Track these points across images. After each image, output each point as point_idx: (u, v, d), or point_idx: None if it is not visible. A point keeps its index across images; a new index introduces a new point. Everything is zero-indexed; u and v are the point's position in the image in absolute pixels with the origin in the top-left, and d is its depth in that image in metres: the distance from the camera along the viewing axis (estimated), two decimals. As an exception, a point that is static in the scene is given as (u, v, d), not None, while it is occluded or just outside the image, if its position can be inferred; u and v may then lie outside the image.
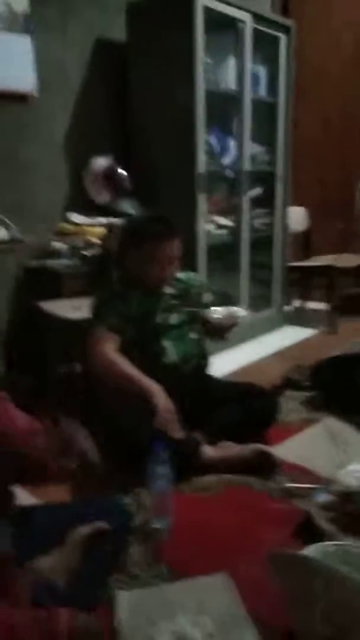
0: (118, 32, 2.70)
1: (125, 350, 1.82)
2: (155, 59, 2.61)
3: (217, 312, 1.85)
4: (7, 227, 2.13)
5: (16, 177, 2.43)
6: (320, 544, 1.15)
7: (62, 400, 2.30)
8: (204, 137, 2.62)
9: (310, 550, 1.08)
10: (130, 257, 1.90)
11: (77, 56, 2.61)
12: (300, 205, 3.62)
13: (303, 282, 3.69)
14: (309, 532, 1.37)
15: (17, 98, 2.37)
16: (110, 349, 1.79)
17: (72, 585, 1.07)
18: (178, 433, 1.67)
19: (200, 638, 1.08)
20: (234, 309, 1.87)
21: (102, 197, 2.67)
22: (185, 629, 1.08)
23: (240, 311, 1.84)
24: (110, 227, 2.49)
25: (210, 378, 2.06)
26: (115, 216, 2.57)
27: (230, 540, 1.41)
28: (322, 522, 1.39)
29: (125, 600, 1.19)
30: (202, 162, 2.62)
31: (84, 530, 1.14)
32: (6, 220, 2.20)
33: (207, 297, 2.07)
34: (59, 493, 1.53)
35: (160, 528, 1.44)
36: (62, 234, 2.52)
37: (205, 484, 1.68)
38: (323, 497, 1.51)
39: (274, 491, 1.63)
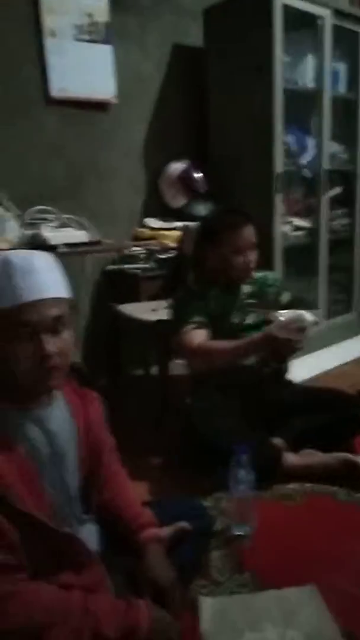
0: (195, 37, 2.72)
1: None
2: (233, 61, 2.59)
3: (283, 315, 1.69)
4: (87, 229, 2.18)
5: (97, 182, 2.50)
6: None
7: (137, 403, 2.32)
8: (281, 137, 2.56)
9: None
10: (211, 253, 1.88)
11: (154, 63, 2.65)
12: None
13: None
14: None
15: (98, 106, 2.44)
16: (203, 340, 1.78)
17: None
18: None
19: (290, 653, 1.03)
20: (301, 312, 1.68)
21: (178, 201, 2.69)
22: (274, 641, 1.03)
23: (307, 315, 1.65)
24: (185, 230, 2.49)
25: (290, 382, 1.99)
26: (190, 219, 2.57)
27: (316, 551, 1.33)
28: None
29: (209, 606, 1.15)
30: (279, 162, 2.56)
31: (166, 530, 1.12)
32: (86, 223, 2.26)
33: (285, 296, 2.01)
34: (141, 494, 1.52)
35: (242, 535, 1.39)
36: (138, 238, 2.56)
37: (288, 492, 1.61)
38: None
39: (362, 503, 1.53)
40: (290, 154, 2.75)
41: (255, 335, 1.71)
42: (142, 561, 1.03)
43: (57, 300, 0.88)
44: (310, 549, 1.34)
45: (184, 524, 1.16)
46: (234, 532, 1.39)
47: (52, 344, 0.87)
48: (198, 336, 1.79)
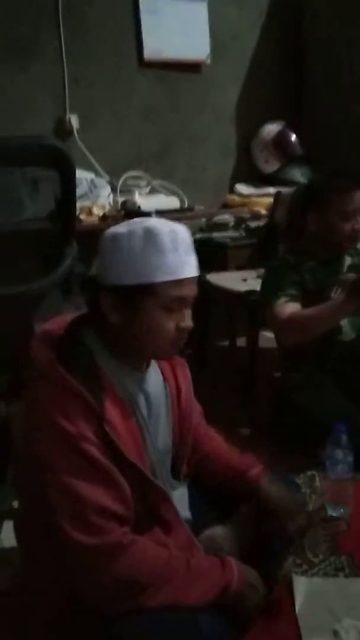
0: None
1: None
2: (335, 15, 2.38)
3: None
4: (179, 196, 2.14)
5: (188, 147, 2.44)
6: None
7: (222, 373, 2.29)
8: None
9: None
10: (314, 219, 1.75)
11: (251, 19, 2.51)
12: None
13: None
14: None
15: (191, 67, 2.36)
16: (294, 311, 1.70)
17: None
18: None
19: (393, 645, 0.96)
20: None
21: (271, 165, 2.56)
22: (375, 631, 0.96)
23: None
24: (277, 197, 2.37)
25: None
26: (283, 185, 2.44)
27: None
28: None
29: (304, 586, 1.10)
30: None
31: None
32: (179, 190, 2.21)
33: None
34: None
35: (337, 517, 1.32)
36: (228, 206, 2.48)
37: (387, 475, 1.51)
38: None
39: None
40: None
41: (333, 300, 1.58)
42: (260, 494, 1.04)
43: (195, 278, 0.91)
44: None
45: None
46: (329, 514, 1.32)
47: (191, 320, 0.90)
48: (289, 308, 1.70)
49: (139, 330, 0.87)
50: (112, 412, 0.83)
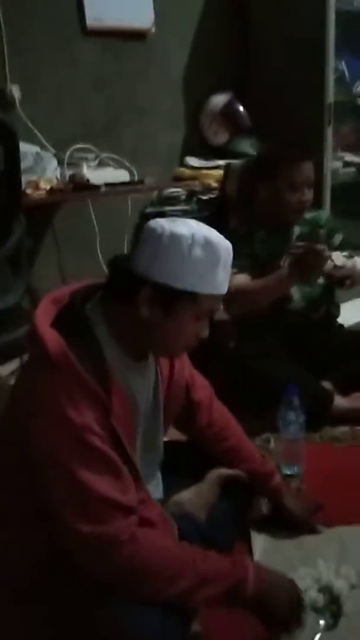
0: None
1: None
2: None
3: (335, 259, 1.64)
4: (128, 169, 2.10)
5: (136, 119, 2.39)
6: None
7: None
8: (333, 63, 2.36)
9: None
10: (263, 190, 1.77)
11: (195, -15, 2.46)
12: None
13: None
14: None
15: (136, 36, 2.30)
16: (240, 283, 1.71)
17: (211, 522, 1.05)
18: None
19: (345, 587, 1.02)
20: (355, 259, 1.67)
21: (220, 137, 2.55)
22: (328, 577, 1.02)
23: (344, 260, 1.64)
24: (227, 169, 2.37)
25: (341, 326, 1.92)
26: (233, 157, 2.44)
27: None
28: None
29: (263, 543, 1.16)
30: (330, 91, 2.37)
31: (224, 471, 1.13)
32: (126, 162, 2.17)
33: (337, 238, 1.90)
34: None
35: (291, 474, 1.38)
36: (179, 179, 2.46)
37: (337, 434, 1.59)
38: None
39: None
40: (342, 82, 2.55)
41: (287, 265, 1.61)
42: (281, 502, 1.17)
43: None
44: (363, 490, 1.32)
45: (239, 472, 1.15)
46: (284, 472, 1.38)
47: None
48: (237, 280, 1.71)
49: (164, 331, 0.88)
50: (118, 406, 0.83)
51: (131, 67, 2.33)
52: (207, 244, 0.85)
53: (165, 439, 1.07)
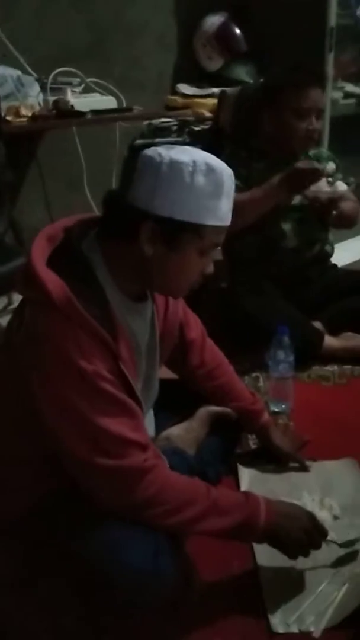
0: None
1: (241, 233, 1.68)
2: None
3: (316, 186, 1.58)
4: (115, 96, 1.97)
5: (123, 41, 2.22)
6: None
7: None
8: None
9: None
10: (268, 117, 1.66)
11: None
12: None
13: None
14: None
15: None
16: None
17: (200, 457, 1.07)
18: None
19: (328, 518, 1.05)
20: (337, 182, 1.63)
21: (214, 62, 2.39)
22: (312, 508, 1.05)
23: (341, 185, 1.60)
24: (222, 97, 2.23)
25: (334, 266, 1.89)
26: (228, 84, 2.30)
27: (355, 429, 1.33)
28: None
29: (249, 476, 1.18)
30: (332, 14, 2.20)
31: (213, 409, 1.13)
32: (114, 88, 2.03)
33: (329, 166, 1.80)
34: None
35: (279, 411, 1.40)
36: (170, 108, 2.32)
37: (326, 374, 1.60)
38: None
39: None
40: (345, 4, 2.37)
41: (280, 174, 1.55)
42: (269, 438, 1.19)
43: None
44: (349, 427, 1.34)
45: (228, 410, 1.15)
46: (272, 409, 1.39)
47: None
48: None
49: (167, 268, 0.84)
50: (124, 348, 0.82)
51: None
52: (210, 171, 0.80)
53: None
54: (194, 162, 0.79)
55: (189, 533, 0.86)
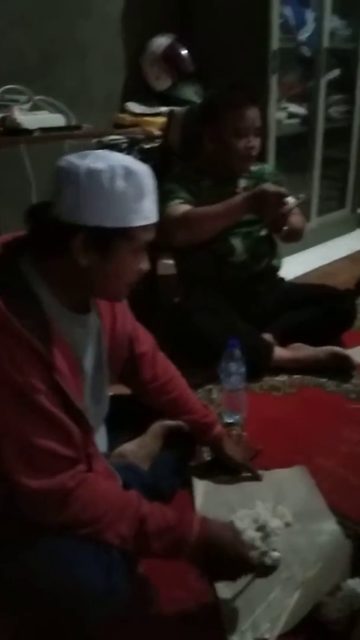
0: None
1: (192, 249, 1.72)
2: None
3: None
4: (64, 114, 1.98)
5: (72, 59, 2.23)
6: None
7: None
8: (278, 8, 2.28)
9: None
10: (208, 136, 1.71)
11: None
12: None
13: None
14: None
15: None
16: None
17: (154, 472, 1.07)
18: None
19: (280, 526, 1.07)
20: (287, 198, 1.66)
21: (162, 82, 2.44)
22: (265, 517, 1.07)
23: (290, 199, 1.62)
24: (171, 116, 2.28)
25: (282, 279, 1.95)
26: (176, 103, 2.35)
27: (306, 436, 1.38)
28: None
29: (203, 488, 1.19)
30: (275, 38, 2.30)
31: (167, 423, 1.14)
32: (62, 106, 2.04)
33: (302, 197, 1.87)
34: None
35: (233, 422, 1.42)
36: (119, 126, 2.35)
37: (276, 384, 1.64)
38: None
39: (350, 393, 1.57)
40: (287, 29, 2.47)
41: (244, 193, 1.60)
42: (222, 450, 1.22)
43: None
44: (300, 435, 1.38)
45: (182, 424, 1.16)
46: (225, 420, 1.41)
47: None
48: (184, 208, 1.66)
49: (105, 274, 0.85)
50: (60, 360, 0.81)
51: (66, 1, 2.15)
52: (129, 174, 0.80)
53: (110, 393, 1.06)
54: (111, 167, 0.79)
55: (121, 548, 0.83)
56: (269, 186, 1.56)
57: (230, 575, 0.88)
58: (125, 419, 1.11)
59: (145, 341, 1.14)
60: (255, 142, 1.69)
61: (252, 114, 1.66)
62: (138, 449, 1.08)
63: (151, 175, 0.85)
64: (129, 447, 1.08)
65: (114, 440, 1.10)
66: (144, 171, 0.83)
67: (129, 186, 0.80)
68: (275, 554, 0.98)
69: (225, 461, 1.21)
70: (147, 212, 0.84)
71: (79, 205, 0.80)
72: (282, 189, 1.55)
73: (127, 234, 0.82)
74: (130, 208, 0.81)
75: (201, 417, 1.18)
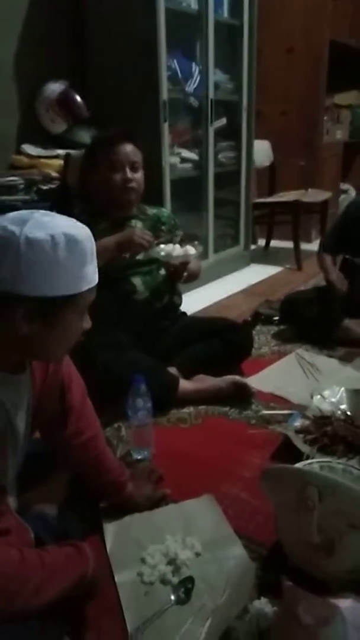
0: None
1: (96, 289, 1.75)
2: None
3: (167, 250, 1.76)
4: None
5: None
6: (305, 461, 1.18)
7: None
8: (166, 61, 2.45)
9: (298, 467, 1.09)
10: (91, 176, 1.80)
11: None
12: (263, 138, 3.52)
13: (268, 219, 3.64)
14: (287, 455, 1.40)
15: None
16: None
17: (61, 517, 1.05)
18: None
19: (190, 557, 1.10)
20: (186, 247, 1.79)
21: (57, 126, 2.48)
22: (175, 550, 1.09)
23: (191, 249, 1.77)
24: (67, 159, 2.33)
25: (183, 314, 2.03)
26: (72, 147, 2.40)
27: (212, 465, 1.42)
28: (300, 443, 1.42)
29: (113, 528, 1.18)
30: (164, 89, 2.46)
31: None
32: None
33: (178, 234, 1.99)
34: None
35: (141, 458, 1.43)
36: (15, 167, 2.34)
37: (183, 416, 1.68)
38: (298, 422, 1.54)
39: (251, 419, 1.66)
40: (175, 81, 2.66)
41: (116, 235, 1.69)
42: (134, 503, 1.21)
43: None
44: (206, 464, 1.43)
45: None
46: (134, 457, 1.43)
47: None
48: None
49: (49, 339, 0.83)
50: None
51: None
52: (70, 242, 0.79)
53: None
54: (52, 237, 0.77)
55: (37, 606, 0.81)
56: (133, 232, 1.70)
57: None
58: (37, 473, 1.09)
59: (76, 393, 1.11)
60: (134, 175, 1.79)
61: (126, 149, 1.78)
62: (43, 496, 1.06)
63: (92, 237, 0.85)
64: (35, 496, 1.06)
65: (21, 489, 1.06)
66: (84, 236, 0.82)
67: (72, 255, 0.79)
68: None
69: (135, 509, 1.21)
70: (90, 276, 0.84)
71: (20, 275, 0.77)
72: (148, 235, 1.69)
73: (72, 299, 0.82)
74: (75, 275, 0.81)
75: (117, 475, 1.17)
